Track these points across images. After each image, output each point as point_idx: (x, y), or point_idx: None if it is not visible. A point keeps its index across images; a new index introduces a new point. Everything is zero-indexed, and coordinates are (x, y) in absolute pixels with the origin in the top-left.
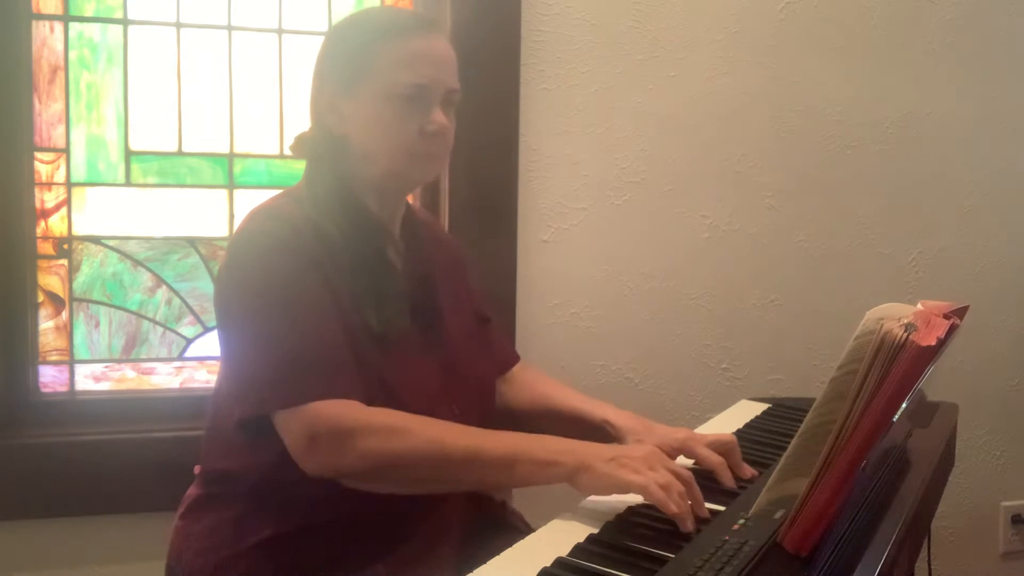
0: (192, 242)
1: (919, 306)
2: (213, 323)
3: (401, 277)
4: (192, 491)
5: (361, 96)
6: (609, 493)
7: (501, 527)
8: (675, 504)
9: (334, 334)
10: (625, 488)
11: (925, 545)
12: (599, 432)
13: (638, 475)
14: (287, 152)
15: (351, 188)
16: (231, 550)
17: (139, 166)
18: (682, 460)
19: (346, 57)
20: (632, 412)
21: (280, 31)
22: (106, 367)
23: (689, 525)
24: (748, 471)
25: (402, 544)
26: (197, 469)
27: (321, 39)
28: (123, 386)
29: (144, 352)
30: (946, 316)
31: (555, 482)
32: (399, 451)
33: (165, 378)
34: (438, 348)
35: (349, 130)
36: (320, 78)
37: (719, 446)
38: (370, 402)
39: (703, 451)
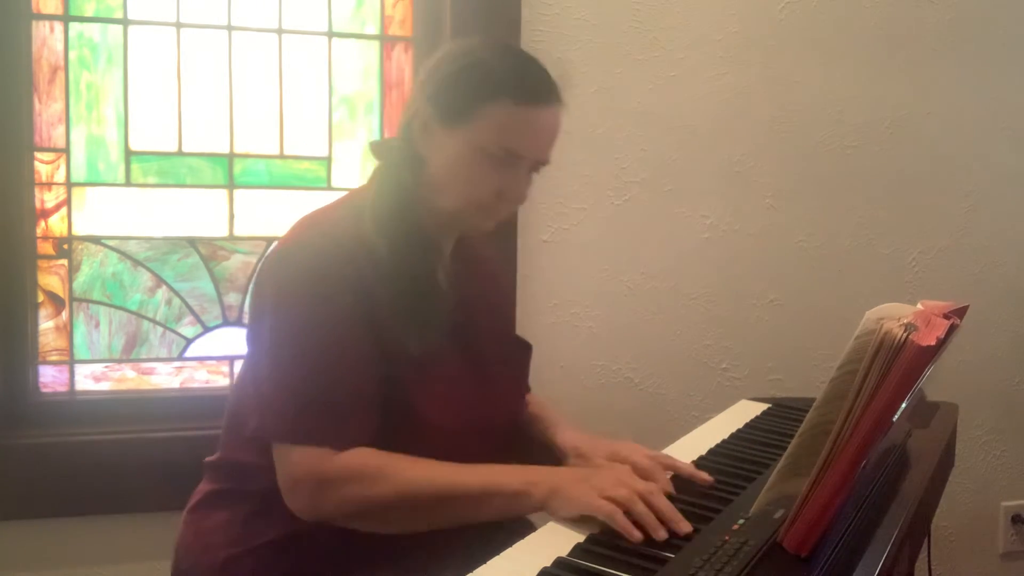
0: (192, 242)
1: (919, 306)
2: (213, 323)
3: (447, 300)
4: (204, 486)
5: (458, 134)
6: (580, 514)
7: (508, 532)
8: (637, 530)
9: (353, 375)
10: (594, 511)
11: (925, 545)
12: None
13: (603, 500)
14: (287, 152)
15: (414, 204)
16: (241, 547)
17: (139, 166)
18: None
19: (461, 91)
20: (578, 431)
21: (280, 31)
22: (106, 367)
23: (660, 534)
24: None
25: (409, 549)
26: (215, 457)
27: (322, 39)
28: (123, 386)
29: (144, 352)
30: (946, 316)
31: (530, 512)
32: (372, 498)
33: (165, 378)
34: (473, 371)
35: (432, 155)
36: (425, 94)
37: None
38: (400, 424)
39: (643, 460)
